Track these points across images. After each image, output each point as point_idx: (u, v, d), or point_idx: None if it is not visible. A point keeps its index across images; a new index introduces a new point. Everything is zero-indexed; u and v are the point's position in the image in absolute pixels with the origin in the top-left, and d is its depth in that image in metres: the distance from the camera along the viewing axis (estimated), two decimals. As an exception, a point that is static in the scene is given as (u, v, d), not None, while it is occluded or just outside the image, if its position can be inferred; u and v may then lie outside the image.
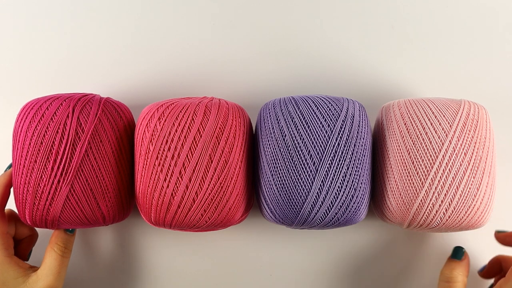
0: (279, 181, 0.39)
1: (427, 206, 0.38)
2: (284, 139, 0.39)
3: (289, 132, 0.39)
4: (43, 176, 0.39)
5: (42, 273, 0.41)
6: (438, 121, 0.39)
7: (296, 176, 0.38)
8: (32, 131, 0.39)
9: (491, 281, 0.47)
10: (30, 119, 0.39)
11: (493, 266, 0.45)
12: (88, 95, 0.42)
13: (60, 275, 0.42)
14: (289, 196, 0.39)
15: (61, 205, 0.39)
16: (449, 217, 0.38)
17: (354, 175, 0.39)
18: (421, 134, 0.39)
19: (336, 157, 0.38)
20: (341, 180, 0.38)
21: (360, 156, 0.39)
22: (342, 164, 0.38)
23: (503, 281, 0.41)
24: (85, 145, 0.39)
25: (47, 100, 0.40)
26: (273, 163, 0.39)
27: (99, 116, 0.40)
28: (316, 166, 0.38)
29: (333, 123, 0.39)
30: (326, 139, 0.38)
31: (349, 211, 0.39)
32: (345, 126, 0.39)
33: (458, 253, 0.44)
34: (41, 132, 0.39)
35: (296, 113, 0.40)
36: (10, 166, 0.43)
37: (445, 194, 0.38)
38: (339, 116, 0.39)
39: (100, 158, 0.40)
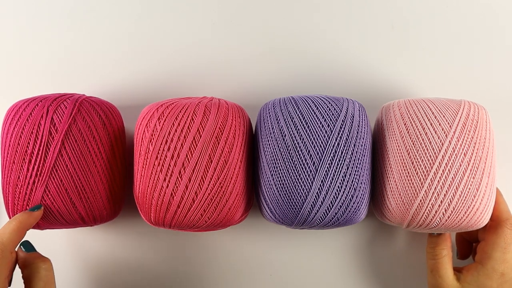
0: (279, 181, 0.39)
1: (427, 206, 0.38)
2: (284, 139, 0.39)
3: (289, 132, 0.39)
4: (20, 177, 0.39)
5: None
6: (438, 122, 0.39)
7: (296, 176, 0.38)
8: (11, 132, 0.39)
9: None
10: (10, 121, 0.40)
11: (462, 244, 0.47)
12: (66, 94, 0.42)
13: None
14: (289, 196, 0.39)
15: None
16: (449, 217, 0.38)
17: (354, 175, 0.39)
18: (420, 135, 0.39)
19: (335, 157, 0.38)
20: (341, 180, 0.38)
21: (360, 156, 0.39)
22: (341, 164, 0.38)
23: (484, 244, 0.42)
24: (59, 145, 0.39)
25: (25, 102, 0.40)
26: (273, 163, 0.39)
27: (74, 115, 0.40)
28: (316, 166, 0.38)
29: (333, 123, 0.39)
30: (326, 139, 0.38)
31: (349, 211, 0.39)
32: (345, 126, 0.39)
33: None
34: (17, 134, 0.39)
35: (296, 113, 0.40)
36: (38, 208, 0.40)
37: (444, 195, 0.38)
38: (339, 116, 0.39)
39: (75, 158, 0.39)
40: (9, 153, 0.39)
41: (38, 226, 0.41)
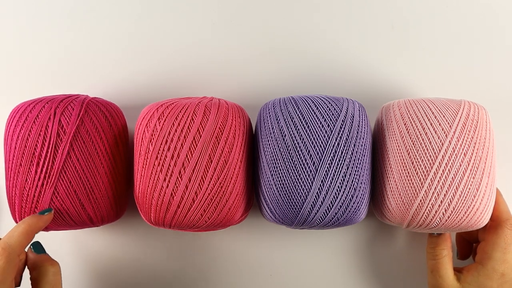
0: (279, 181, 0.39)
1: (427, 207, 0.38)
2: (284, 139, 0.39)
3: (289, 132, 0.39)
4: (28, 179, 0.39)
5: None
6: (438, 122, 0.39)
7: (296, 176, 0.38)
8: (17, 134, 0.39)
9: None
10: (15, 123, 0.40)
11: (462, 244, 0.47)
12: (72, 96, 0.42)
13: None
14: (288, 196, 0.39)
15: (46, 208, 0.39)
16: (449, 217, 0.38)
17: (354, 175, 0.39)
18: (420, 135, 0.39)
19: (335, 157, 0.38)
20: (341, 180, 0.38)
21: (359, 156, 0.39)
22: (341, 164, 0.38)
23: (484, 244, 0.42)
24: (67, 147, 0.39)
25: (31, 103, 0.40)
26: (273, 163, 0.39)
27: (81, 117, 0.40)
28: (316, 166, 0.38)
29: (332, 123, 0.39)
30: (326, 139, 0.38)
31: (349, 211, 0.39)
32: (345, 126, 0.39)
33: None
34: (24, 136, 0.39)
35: (296, 113, 0.40)
36: (48, 211, 0.40)
37: (444, 195, 0.38)
38: (339, 116, 0.39)
39: (83, 159, 0.39)
40: (15, 155, 0.39)
41: (45, 228, 0.41)
